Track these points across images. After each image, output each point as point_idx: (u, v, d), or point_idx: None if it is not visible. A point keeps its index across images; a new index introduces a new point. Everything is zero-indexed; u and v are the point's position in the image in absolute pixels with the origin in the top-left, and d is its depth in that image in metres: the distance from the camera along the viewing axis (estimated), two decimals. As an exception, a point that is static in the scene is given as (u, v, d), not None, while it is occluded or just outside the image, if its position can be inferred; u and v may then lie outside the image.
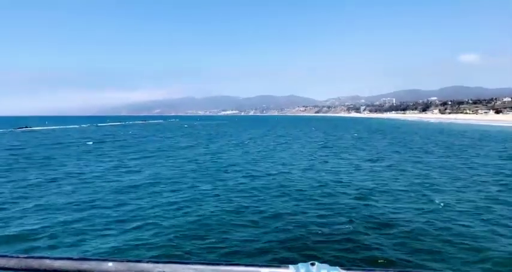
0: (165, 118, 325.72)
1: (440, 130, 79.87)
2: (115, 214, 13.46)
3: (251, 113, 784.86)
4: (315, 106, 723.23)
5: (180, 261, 1.06)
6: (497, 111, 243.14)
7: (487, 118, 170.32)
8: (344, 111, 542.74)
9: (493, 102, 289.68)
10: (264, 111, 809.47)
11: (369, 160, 29.00)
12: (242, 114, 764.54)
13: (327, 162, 28.18)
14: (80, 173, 22.79)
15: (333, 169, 24.40)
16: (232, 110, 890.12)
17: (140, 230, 11.62)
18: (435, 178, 20.36)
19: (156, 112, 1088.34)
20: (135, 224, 12.20)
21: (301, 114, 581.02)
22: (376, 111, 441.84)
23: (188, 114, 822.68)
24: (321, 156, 32.34)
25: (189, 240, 10.75)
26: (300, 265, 1.05)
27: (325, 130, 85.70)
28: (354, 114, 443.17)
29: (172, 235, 11.16)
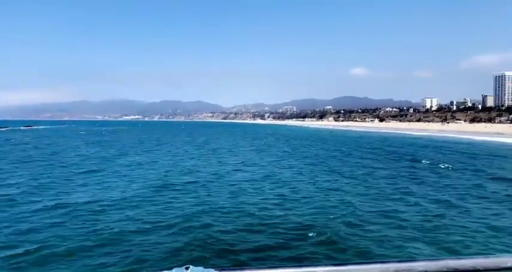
0: (57, 123, 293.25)
1: (344, 136, 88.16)
2: None
3: (156, 118, 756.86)
4: (223, 112, 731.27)
5: None
6: (381, 120, 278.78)
7: (373, 126, 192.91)
8: (250, 117, 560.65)
9: (377, 112, 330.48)
10: (171, 117, 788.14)
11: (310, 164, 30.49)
12: (146, 119, 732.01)
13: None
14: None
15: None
16: (135, 115, 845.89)
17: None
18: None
19: (46, 116, 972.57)
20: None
21: (209, 120, 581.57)
22: (279, 118, 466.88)
23: (85, 119, 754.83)
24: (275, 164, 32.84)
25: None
26: (174, 270, 1.05)
27: (243, 136, 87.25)
28: (259, 121, 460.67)
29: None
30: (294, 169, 27.74)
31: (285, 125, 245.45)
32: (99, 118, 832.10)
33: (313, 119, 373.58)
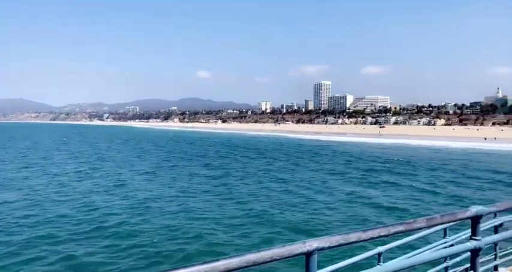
0: None
1: (193, 137, 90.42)
2: None
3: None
4: (51, 112, 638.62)
5: None
6: (224, 121, 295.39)
7: (218, 127, 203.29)
8: (86, 118, 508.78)
9: (220, 113, 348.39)
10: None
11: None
12: None
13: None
14: None
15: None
16: None
17: None
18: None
19: None
20: None
21: (33, 121, 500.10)
22: (120, 119, 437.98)
23: None
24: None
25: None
26: None
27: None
28: (97, 122, 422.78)
29: None
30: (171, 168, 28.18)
31: (131, 126, 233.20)
32: None
33: (158, 120, 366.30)
